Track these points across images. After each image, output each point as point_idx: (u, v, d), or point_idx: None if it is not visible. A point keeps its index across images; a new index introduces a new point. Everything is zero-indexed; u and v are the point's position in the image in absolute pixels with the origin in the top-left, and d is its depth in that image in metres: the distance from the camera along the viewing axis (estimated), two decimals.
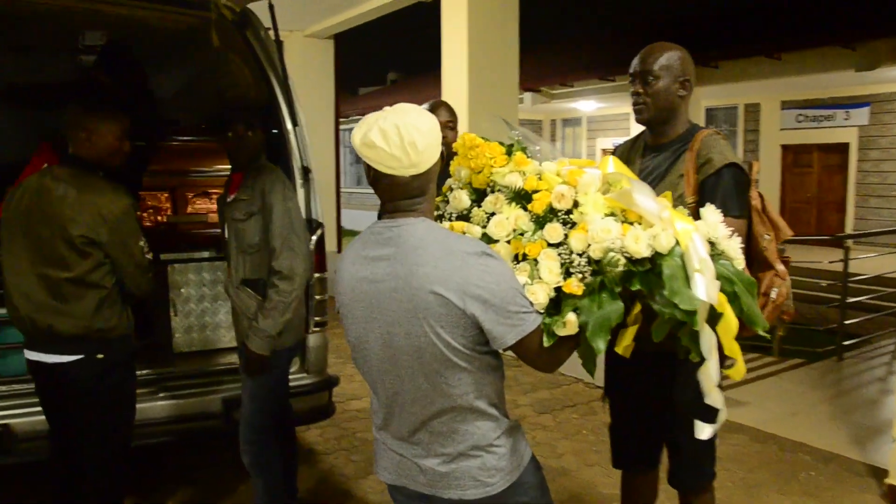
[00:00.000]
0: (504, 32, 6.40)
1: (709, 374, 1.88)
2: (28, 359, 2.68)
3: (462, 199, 2.08)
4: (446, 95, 6.48)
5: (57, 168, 2.67)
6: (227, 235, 3.05)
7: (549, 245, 1.83)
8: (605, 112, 18.15)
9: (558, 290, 1.78)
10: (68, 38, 4.14)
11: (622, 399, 2.63)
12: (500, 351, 1.80)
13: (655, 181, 2.34)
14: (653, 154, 2.43)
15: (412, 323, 1.70)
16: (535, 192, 1.95)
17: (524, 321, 1.72)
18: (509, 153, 2.05)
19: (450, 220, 2.06)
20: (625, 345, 1.97)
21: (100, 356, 2.63)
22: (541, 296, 1.78)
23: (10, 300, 2.63)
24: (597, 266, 1.77)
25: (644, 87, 2.37)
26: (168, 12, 3.77)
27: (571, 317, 1.75)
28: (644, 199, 1.85)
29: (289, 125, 3.57)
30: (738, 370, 1.94)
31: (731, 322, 1.84)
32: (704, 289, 1.75)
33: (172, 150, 3.70)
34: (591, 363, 1.81)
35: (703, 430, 2.02)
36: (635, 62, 2.39)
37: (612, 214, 1.84)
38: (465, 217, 2.07)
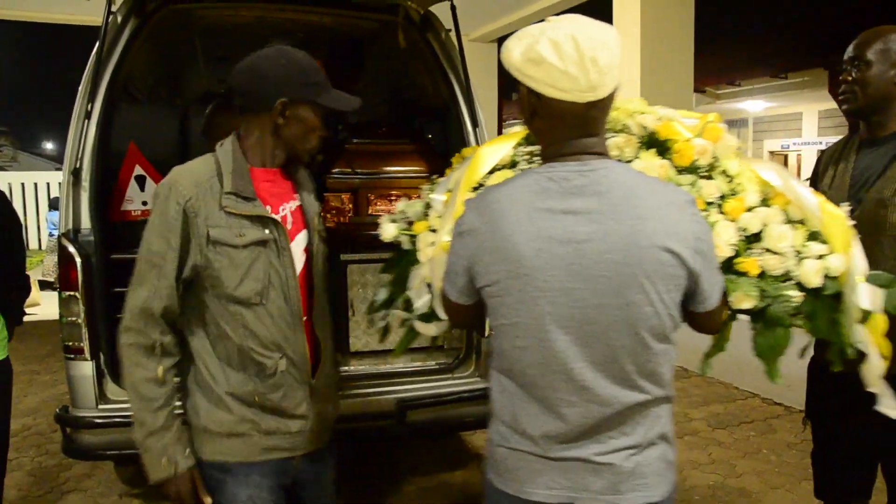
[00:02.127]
0: (679, 27, 6.14)
1: (872, 368, 1.79)
2: None
3: None
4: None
5: None
6: (285, 268, 1.85)
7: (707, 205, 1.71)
8: (773, 112, 17.23)
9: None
10: (260, 46, 4.33)
11: (827, 422, 2.37)
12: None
13: (872, 178, 2.11)
14: (869, 149, 2.19)
15: (632, 290, 1.40)
16: (669, 140, 1.78)
17: (721, 278, 1.56)
18: None
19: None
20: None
21: None
22: (725, 251, 1.66)
23: None
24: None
25: (853, 74, 2.16)
26: (355, 17, 3.87)
27: (755, 296, 1.65)
28: (800, 186, 1.76)
29: (469, 126, 3.57)
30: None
31: (879, 319, 1.76)
32: (869, 298, 1.72)
33: (355, 152, 3.78)
34: (774, 369, 1.76)
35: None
36: (849, 47, 2.19)
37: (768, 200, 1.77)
38: None
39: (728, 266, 1.66)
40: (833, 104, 12.00)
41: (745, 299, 1.65)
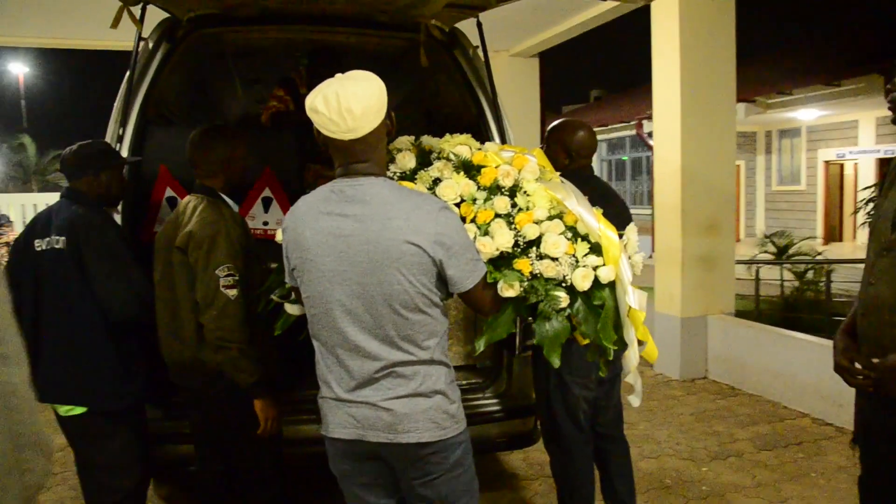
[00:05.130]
0: (719, 40, 6.01)
1: (630, 358, 2.30)
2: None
3: (408, 160, 2.32)
4: (657, 109, 6.23)
5: (188, 196, 2.76)
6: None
7: (497, 216, 2.17)
8: (828, 120, 16.74)
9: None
10: (289, 67, 4.38)
11: (874, 447, 2.23)
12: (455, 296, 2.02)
13: None
14: None
15: (385, 272, 1.85)
16: (481, 166, 2.27)
17: (478, 268, 2.00)
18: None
19: (393, 178, 2.25)
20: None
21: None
22: (490, 249, 2.10)
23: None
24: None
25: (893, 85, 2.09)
26: (379, 36, 3.88)
27: (516, 287, 2.07)
28: (584, 209, 2.24)
29: (497, 141, 3.54)
30: (651, 352, 2.36)
31: (638, 313, 2.20)
32: (636, 299, 2.18)
33: None
34: (552, 355, 2.10)
35: (635, 400, 2.39)
36: None
37: (556, 216, 2.20)
38: (408, 178, 2.29)
39: (509, 263, 2.11)
40: None
41: (508, 289, 2.07)
